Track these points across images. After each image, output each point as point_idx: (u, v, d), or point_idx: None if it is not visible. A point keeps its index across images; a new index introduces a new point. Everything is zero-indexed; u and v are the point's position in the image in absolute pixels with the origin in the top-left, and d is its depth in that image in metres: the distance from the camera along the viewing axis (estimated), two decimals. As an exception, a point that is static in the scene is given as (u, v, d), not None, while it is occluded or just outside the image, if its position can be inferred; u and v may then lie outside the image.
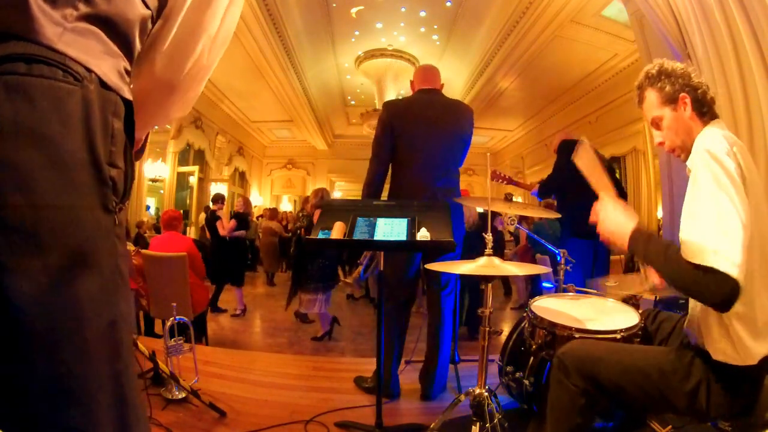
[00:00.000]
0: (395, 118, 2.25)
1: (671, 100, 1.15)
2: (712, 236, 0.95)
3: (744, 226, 0.95)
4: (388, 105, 2.33)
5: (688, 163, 1.11)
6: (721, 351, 1.06)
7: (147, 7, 0.65)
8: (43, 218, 0.52)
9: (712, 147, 1.02)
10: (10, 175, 0.51)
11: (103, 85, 0.59)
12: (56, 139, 0.54)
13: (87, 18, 0.58)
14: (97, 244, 0.57)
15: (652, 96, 1.18)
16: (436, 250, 2.04)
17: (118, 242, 0.61)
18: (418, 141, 2.22)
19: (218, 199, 5.64)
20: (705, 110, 1.14)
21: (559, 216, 2.16)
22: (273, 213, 8.92)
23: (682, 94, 1.14)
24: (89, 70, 0.58)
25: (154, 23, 0.69)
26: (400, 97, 2.52)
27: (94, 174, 0.57)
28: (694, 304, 1.16)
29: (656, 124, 1.20)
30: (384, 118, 2.27)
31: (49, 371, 0.53)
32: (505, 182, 3.22)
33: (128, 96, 0.64)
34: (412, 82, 2.43)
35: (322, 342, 4.02)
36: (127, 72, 0.65)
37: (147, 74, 0.73)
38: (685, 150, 1.16)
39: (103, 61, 0.59)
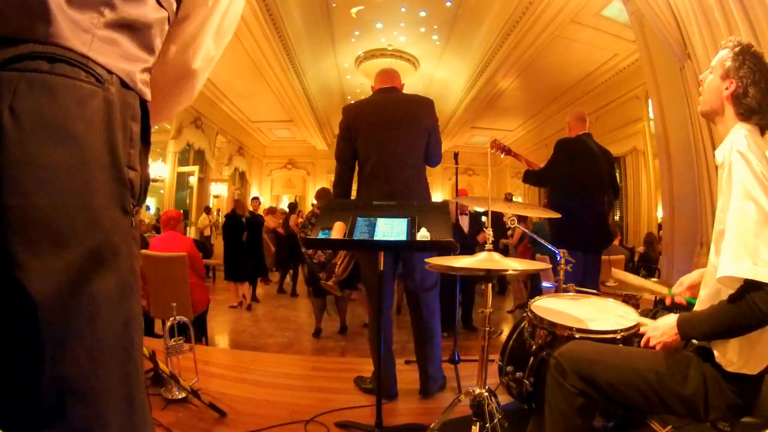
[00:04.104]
0: (351, 120, 2.33)
1: (725, 72, 1.18)
2: (747, 247, 0.96)
3: None
4: (346, 109, 2.41)
5: (717, 153, 1.15)
6: (726, 361, 1.06)
7: (163, 8, 0.66)
8: (65, 218, 0.53)
9: (746, 150, 1.04)
10: (35, 172, 0.51)
11: (124, 85, 0.60)
12: (80, 138, 0.54)
13: (112, 25, 0.59)
14: (115, 245, 0.58)
15: (724, 53, 1.21)
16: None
17: (133, 244, 0.62)
18: (375, 137, 2.28)
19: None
20: (741, 111, 1.16)
21: (559, 216, 2.16)
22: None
23: (732, 80, 1.16)
24: (110, 72, 0.58)
25: (170, 23, 0.70)
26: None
27: (114, 175, 0.58)
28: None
29: (710, 69, 1.25)
30: (342, 122, 2.36)
31: (60, 370, 0.53)
32: (503, 153, 3.20)
33: (148, 97, 0.66)
34: (372, 87, 2.48)
35: (322, 342, 4.04)
36: (149, 71, 0.66)
37: (161, 66, 0.74)
38: (705, 106, 1.23)
39: (125, 64, 0.61)
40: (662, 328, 1.16)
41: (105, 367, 0.56)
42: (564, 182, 2.91)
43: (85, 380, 0.54)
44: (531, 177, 3.17)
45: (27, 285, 0.50)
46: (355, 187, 2.46)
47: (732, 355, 1.05)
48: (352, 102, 2.46)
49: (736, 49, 1.17)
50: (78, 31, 0.56)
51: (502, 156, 3.25)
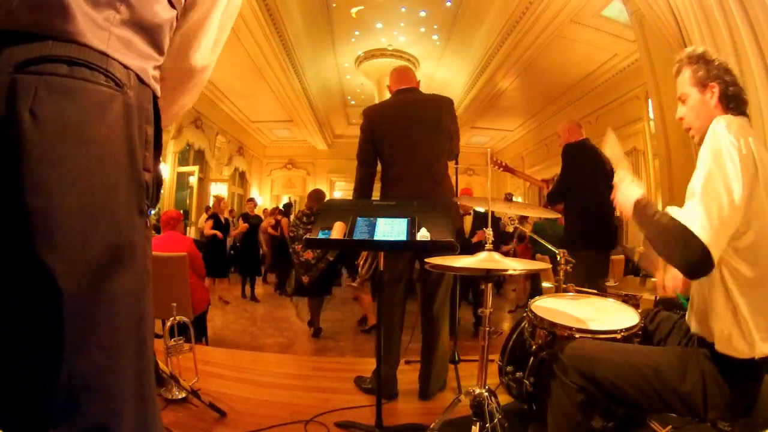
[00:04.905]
0: (374, 123, 2.33)
1: (701, 84, 1.19)
2: (695, 203, 0.99)
3: (732, 203, 0.96)
4: (367, 111, 2.40)
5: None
6: (725, 339, 1.05)
7: (173, 7, 0.67)
8: (87, 218, 0.53)
9: (719, 127, 1.06)
10: (56, 174, 0.51)
11: (140, 80, 0.61)
12: (101, 141, 0.55)
13: (127, 23, 0.59)
14: (132, 245, 0.59)
15: (686, 74, 1.22)
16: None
17: (147, 244, 0.63)
18: (399, 141, 2.28)
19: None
20: (732, 105, 1.17)
21: (559, 216, 2.16)
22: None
23: (712, 83, 1.17)
24: (127, 68, 0.59)
25: (177, 20, 0.71)
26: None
27: (132, 177, 0.59)
28: (699, 288, 1.15)
29: (682, 100, 1.25)
30: (364, 125, 2.36)
31: (76, 367, 0.53)
32: (501, 169, 3.22)
33: (159, 93, 0.67)
34: (389, 87, 2.48)
35: (322, 342, 4.04)
36: (159, 68, 0.67)
37: (167, 61, 0.74)
38: (700, 133, 1.21)
39: (139, 61, 0.62)
40: (624, 199, 1.24)
41: (119, 364, 0.57)
42: (576, 184, 2.96)
43: (100, 376, 0.55)
44: (555, 195, 3.14)
45: (53, 288, 0.51)
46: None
47: (731, 332, 1.04)
48: (374, 104, 2.47)
49: (692, 59, 1.20)
50: (96, 28, 0.56)
51: (500, 170, 3.27)
